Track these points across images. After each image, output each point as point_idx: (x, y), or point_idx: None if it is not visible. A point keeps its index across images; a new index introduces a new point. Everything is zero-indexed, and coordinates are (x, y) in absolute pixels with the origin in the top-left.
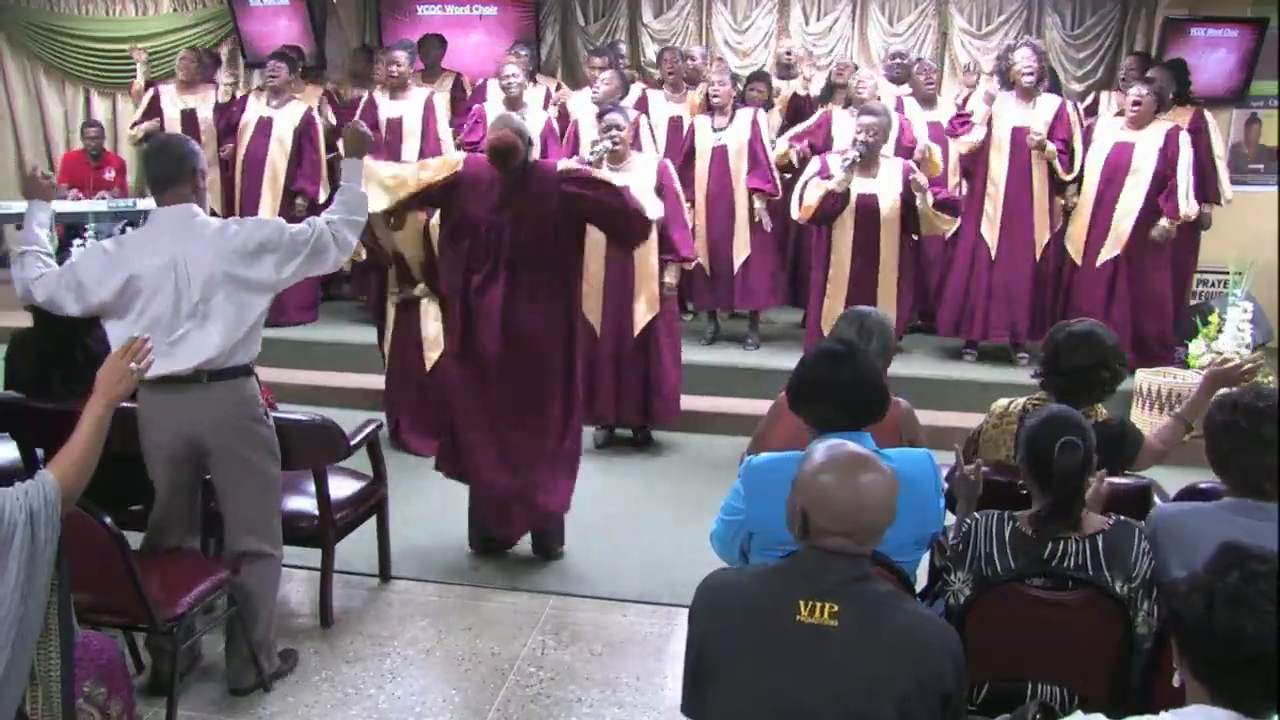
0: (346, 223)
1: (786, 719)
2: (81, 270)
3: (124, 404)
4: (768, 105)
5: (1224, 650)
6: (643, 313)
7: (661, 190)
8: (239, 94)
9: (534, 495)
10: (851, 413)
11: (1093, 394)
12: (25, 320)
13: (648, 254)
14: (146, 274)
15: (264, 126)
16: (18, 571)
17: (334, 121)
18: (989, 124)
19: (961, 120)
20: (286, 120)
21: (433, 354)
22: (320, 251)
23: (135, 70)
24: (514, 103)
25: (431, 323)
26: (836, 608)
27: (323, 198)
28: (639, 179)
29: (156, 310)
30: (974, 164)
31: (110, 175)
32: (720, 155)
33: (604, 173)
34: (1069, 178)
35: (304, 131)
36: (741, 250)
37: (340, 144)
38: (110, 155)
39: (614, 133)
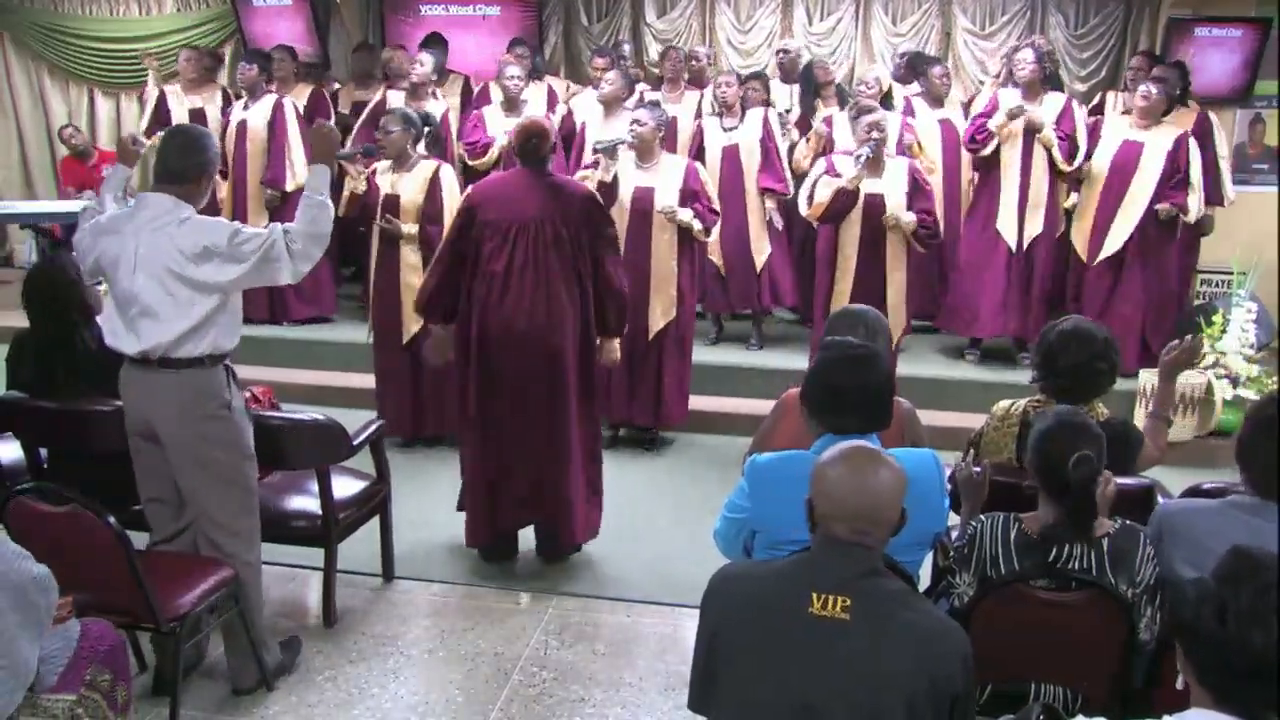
0: (306, 235)
1: (795, 713)
2: (78, 238)
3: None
4: (766, 105)
5: (1233, 660)
6: (658, 317)
7: (691, 193)
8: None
9: (553, 521)
10: (865, 418)
11: (1092, 389)
12: (26, 320)
13: (665, 258)
14: (108, 253)
15: (240, 131)
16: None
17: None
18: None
19: (979, 131)
20: (259, 118)
21: (411, 326)
22: (270, 262)
23: (140, 71)
24: (512, 103)
25: (412, 277)
26: (848, 602)
27: (290, 186)
28: (666, 179)
29: (120, 288)
30: (985, 164)
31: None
32: (732, 155)
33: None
34: (1069, 168)
35: (272, 122)
36: (762, 250)
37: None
38: (105, 153)
39: (634, 126)
